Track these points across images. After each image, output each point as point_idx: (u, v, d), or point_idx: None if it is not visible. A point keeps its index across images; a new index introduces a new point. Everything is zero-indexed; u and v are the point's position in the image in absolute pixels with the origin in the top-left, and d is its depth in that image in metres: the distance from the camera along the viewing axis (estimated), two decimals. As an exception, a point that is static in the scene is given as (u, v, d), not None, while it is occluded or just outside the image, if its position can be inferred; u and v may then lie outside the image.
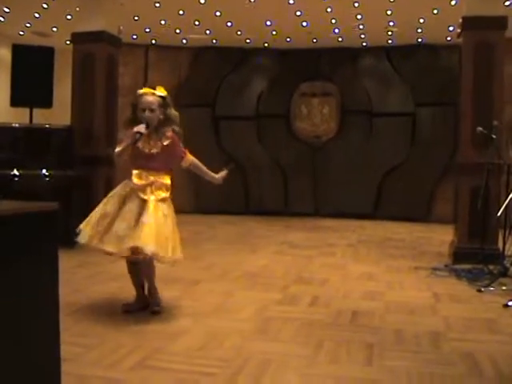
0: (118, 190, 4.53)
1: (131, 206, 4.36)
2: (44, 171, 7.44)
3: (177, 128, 4.57)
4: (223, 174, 4.79)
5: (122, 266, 6.09)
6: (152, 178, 4.43)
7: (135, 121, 4.44)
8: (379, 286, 5.71)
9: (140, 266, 4.53)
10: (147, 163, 4.47)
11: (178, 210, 4.66)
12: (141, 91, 4.54)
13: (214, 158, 12.34)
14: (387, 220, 11.48)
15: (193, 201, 12.15)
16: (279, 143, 12.28)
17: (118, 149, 4.46)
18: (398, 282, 5.88)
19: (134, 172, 4.46)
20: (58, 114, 9.28)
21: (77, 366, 3.30)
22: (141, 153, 4.45)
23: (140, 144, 4.41)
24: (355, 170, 11.92)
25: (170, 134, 4.51)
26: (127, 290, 5.04)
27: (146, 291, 4.62)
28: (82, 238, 4.48)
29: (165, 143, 4.49)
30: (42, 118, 8.67)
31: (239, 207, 12.20)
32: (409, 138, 11.80)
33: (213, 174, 4.79)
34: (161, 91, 4.54)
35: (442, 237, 8.78)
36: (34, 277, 2.47)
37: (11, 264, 2.33)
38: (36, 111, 8.40)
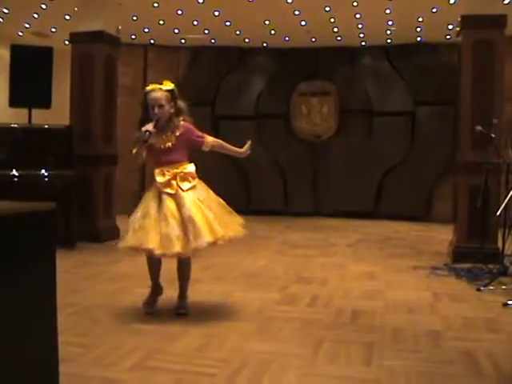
0: (148, 194, 4.51)
1: (167, 205, 4.34)
2: (43, 171, 7.44)
3: (187, 117, 4.60)
4: (247, 146, 4.78)
5: (122, 267, 6.12)
6: (175, 171, 4.44)
7: (147, 120, 4.44)
8: (379, 285, 5.71)
9: (180, 267, 4.60)
10: (166, 158, 4.49)
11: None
12: (148, 88, 4.55)
13: (213, 157, 12.35)
14: (387, 219, 11.46)
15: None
16: (279, 143, 12.26)
17: (133, 151, 4.44)
18: (398, 282, 5.88)
19: (156, 171, 4.46)
20: (57, 114, 9.26)
21: (76, 366, 3.30)
22: (157, 150, 4.48)
23: (154, 142, 4.43)
24: (355, 169, 11.91)
25: (181, 123, 4.53)
26: (127, 290, 5.06)
27: (178, 292, 4.64)
28: (122, 243, 4.41)
29: (177, 133, 4.51)
30: (41, 118, 8.66)
31: (239, 207, 12.08)
32: (408, 136, 11.79)
33: (236, 148, 4.83)
34: (168, 85, 4.55)
35: (441, 236, 8.78)
36: (32, 277, 2.46)
37: (8, 264, 2.33)
38: (35, 111, 8.39)
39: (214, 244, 4.35)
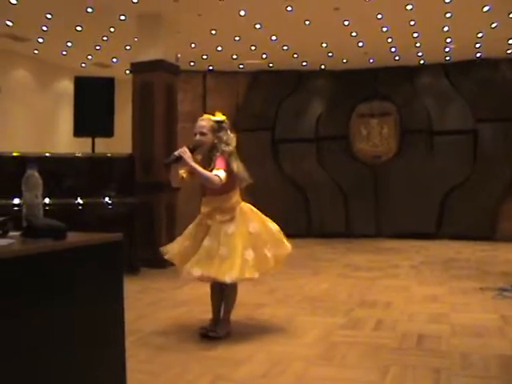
0: (195, 222, 4.69)
1: (200, 234, 4.52)
2: (107, 199, 7.59)
3: (226, 148, 4.49)
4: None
5: (185, 292, 6.17)
6: (216, 204, 4.48)
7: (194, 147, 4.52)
8: (444, 308, 5.58)
9: (224, 290, 4.62)
10: (208, 190, 4.55)
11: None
12: (200, 118, 4.64)
13: (274, 181, 12.42)
14: (450, 239, 11.27)
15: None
16: (339, 164, 12.23)
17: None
18: (464, 304, 5.75)
19: (203, 200, 4.59)
20: (120, 142, 9.47)
21: (143, 393, 3.33)
22: None
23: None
24: (416, 190, 11.76)
25: (217, 156, 4.48)
26: (191, 316, 5.09)
27: (221, 314, 4.68)
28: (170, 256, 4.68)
29: (210, 169, 4.49)
30: (104, 146, 8.86)
31: (301, 230, 12.16)
32: (471, 155, 11.59)
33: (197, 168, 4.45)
34: (218, 116, 4.61)
35: (507, 255, 8.58)
36: (102, 305, 2.51)
37: (79, 293, 2.39)
38: (98, 140, 8.60)
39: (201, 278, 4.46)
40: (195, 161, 4.43)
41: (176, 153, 4.39)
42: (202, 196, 4.67)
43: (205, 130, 4.50)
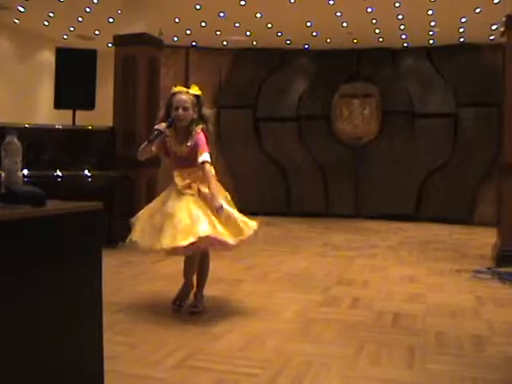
0: (161, 194, 4.62)
1: (192, 200, 4.34)
2: (86, 172, 7.54)
3: (208, 126, 4.58)
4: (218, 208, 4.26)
5: (164, 266, 6.18)
6: (196, 175, 4.44)
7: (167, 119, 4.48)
8: (420, 288, 5.64)
9: (202, 262, 4.63)
10: (184, 163, 4.51)
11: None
12: (175, 89, 4.55)
13: (254, 158, 12.43)
14: (429, 221, 11.35)
15: (232, 201, 12.19)
16: (320, 144, 12.23)
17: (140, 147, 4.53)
18: (440, 285, 5.82)
19: (176, 173, 4.51)
20: (101, 115, 9.38)
21: (119, 364, 3.34)
22: (176, 155, 4.52)
23: (173, 147, 4.49)
24: (396, 172, 11.82)
25: (197, 132, 4.46)
26: (169, 289, 5.08)
27: (196, 290, 4.68)
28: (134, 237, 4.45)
29: (189, 144, 4.45)
30: (85, 119, 8.78)
31: (280, 208, 12.19)
32: (451, 138, 11.64)
33: (214, 193, 4.29)
34: (195, 90, 4.55)
35: (484, 239, 8.66)
36: (80, 275, 2.51)
37: (57, 262, 2.38)
38: (79, 113, 8.52)
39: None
40: (169, 135, 4.46)
41: (162, 128, 4.37)
42: (175, 169, 4.55)
43: (187, 105, 4.44)
